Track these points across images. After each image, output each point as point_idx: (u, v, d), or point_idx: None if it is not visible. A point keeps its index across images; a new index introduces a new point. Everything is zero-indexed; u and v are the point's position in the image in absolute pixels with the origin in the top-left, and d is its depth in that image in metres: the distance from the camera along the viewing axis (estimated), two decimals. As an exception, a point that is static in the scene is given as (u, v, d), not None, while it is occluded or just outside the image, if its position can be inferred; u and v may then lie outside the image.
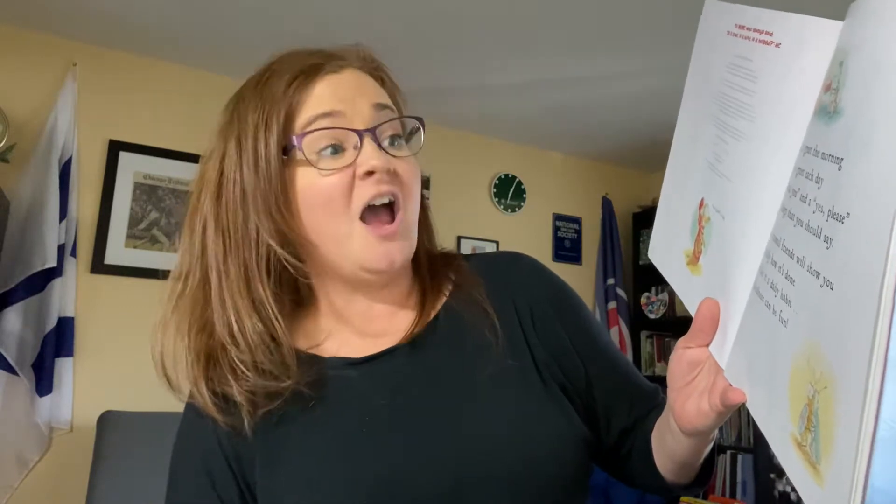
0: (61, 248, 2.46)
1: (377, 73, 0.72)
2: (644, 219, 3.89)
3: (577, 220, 3.89)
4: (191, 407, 0.68)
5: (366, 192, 0.64)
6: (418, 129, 0.71)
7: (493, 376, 0.66)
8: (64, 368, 2.47)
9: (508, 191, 3.69)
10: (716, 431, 0.57)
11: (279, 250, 0.64)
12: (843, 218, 0.34)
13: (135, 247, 2.72)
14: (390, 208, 0.65)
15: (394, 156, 0.66)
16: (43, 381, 2.40)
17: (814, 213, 0.38)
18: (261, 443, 0.64)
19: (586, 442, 0.66)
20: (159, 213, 2.78)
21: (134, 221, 2.73)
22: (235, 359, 0.63)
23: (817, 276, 0.36)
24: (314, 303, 0.72)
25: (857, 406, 0.31)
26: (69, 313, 2.51)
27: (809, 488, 0.35)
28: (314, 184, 0.63)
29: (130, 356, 2.60)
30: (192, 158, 2.85)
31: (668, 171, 0.64)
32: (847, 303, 0.33)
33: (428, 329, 0.70)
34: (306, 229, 0.65)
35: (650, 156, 3.86)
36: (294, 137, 0.63)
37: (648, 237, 4.02)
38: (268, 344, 0.64)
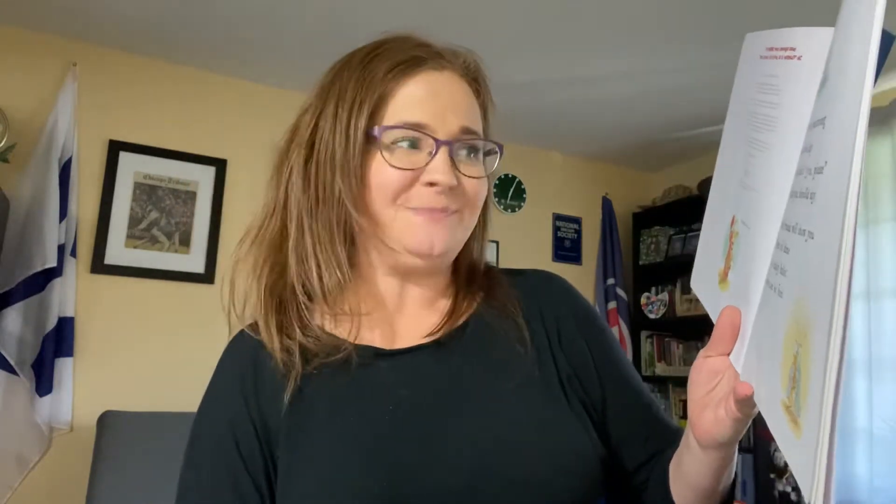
0: (61, 248, 2.46)
1: (476, 84, 0.73)
2: (644, 219, 3.89)
3: (577, 220, 3.89)
4: (232, 352, 0.71)
5: (421, 199, 0.66)
6: (496, 151, 0.72)
7: (518, 387, 0.67)
8: (64, 368, 2.47)
9: (508, 191, 3.69)
10: (735, 452, 0.56)
11: (354, 213, 0.67)
12: (822, 168, 0.35)
13: (135, 247, 2.72)
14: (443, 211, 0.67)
15: (463, 174, 0.68)
16: (43, 381, 2.40)
17: (805, 177, 0.38)
18: (286, 419, 0.65)
19: (602, 460, 0.66)
20: (159, 213, 2.78)
21: (134, 221, 2.73)
22: (304, 307, 0.68)
23: (803, 234, 0.36)
24: (356, 282, 0.73)
25: (824, 332, 0.30)
26: (69, 313, 2.51)
27: (791, 445, 0.35)
28: (382, 170, 0.66)
29: (130, 356, 2.60)
30: (192, 158, 2.85)
31: (708, 203, 0.64)
32: (823, 247, 0.33)
33: (457, 332, 0.71)
34: (372, 202, 0.67)
35: (650, 156, 3.86)
36: (377, 128, 0.66)
37: (649, 237, 4.03)
38: (336, 299, 0.69)
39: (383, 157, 0.65)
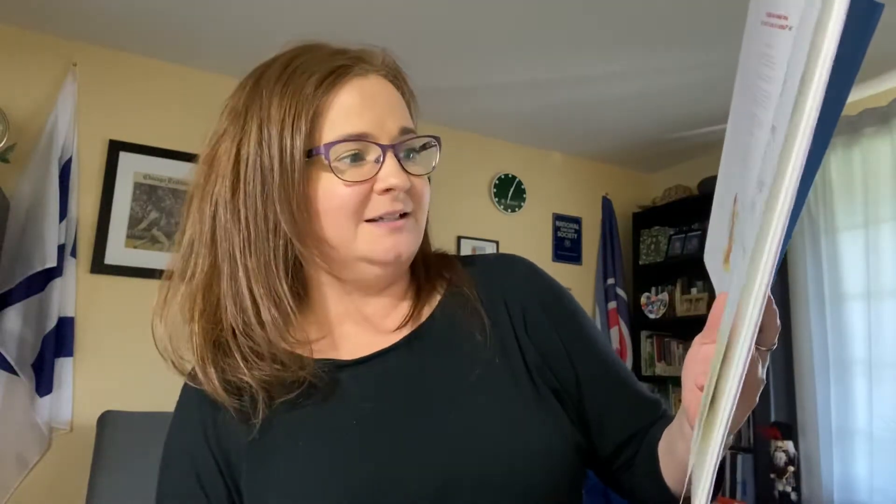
0: (61, 248, 2.46)
1: (398, 81, 0.72)
2: (644, 219, 3.89)
3: (577, 220, 3.89)
4: (185, 395, 0.68)
5: (380, 207, 0.64)
6: (434, 145, 0.71)
7: (483, 379, 0.66)
8: (64, 368, 2.47)
9: (508, 191, 3.69)
10: (729, 436, 0.56)
11: (298, 245, 0.64)
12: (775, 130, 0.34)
13: (135, 247, 2.72)
14: (400, 217, 0.66)
15: (411, 173, 0.67)
16: (43, 381, 2.40)
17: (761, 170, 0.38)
18: (249, 446, 0.64)
19: (577, 448, 0.66)
20: (159, 213, 2.78)
21: (134, 221, 2.73)
22: (247, 349, 0.63)
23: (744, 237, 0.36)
24: (311, 303, 0.72)
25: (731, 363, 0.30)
26: (69, 313, 2.51)
27: (694, 441, 0.35)
28: (334, 190, 0.64)
29: (130, 356, 2.60)
30: (192, 158, 2.83)
31: (718, 179, 0.62)
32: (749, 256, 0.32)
33: (423, 327, 0.70)
34: (320, 228, 0.65)
35: (650, 156, 3.87)
36: (322, 146, 0.63)
37: (649, 237, 4.01)
38: (284, 335, 0.64)
39: (336, 175, 0.63)
